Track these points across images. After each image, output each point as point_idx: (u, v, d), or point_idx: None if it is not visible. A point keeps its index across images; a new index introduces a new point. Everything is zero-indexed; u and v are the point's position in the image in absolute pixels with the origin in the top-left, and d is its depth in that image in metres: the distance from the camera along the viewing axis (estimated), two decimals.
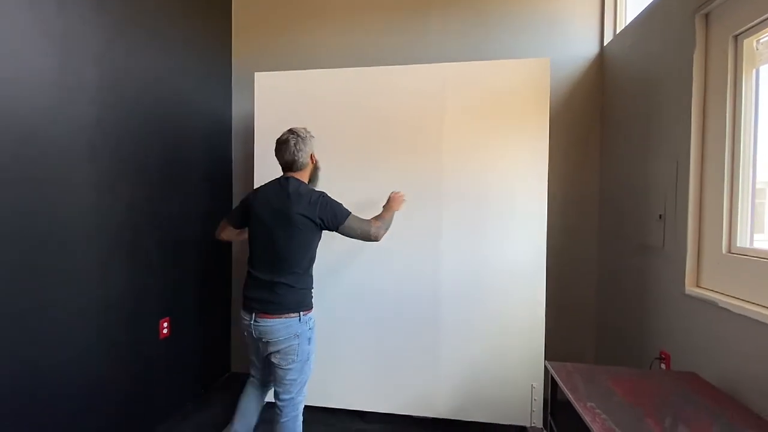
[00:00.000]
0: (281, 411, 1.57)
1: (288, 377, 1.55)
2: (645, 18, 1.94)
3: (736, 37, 1.41)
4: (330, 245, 2.12)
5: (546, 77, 1.95)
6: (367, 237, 1.61)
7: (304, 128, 1.63)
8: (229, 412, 2.09)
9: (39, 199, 1.44)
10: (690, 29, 1.55)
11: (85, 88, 1.62)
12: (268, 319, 1.51)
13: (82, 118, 1.61)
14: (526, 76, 1.97)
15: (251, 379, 1.72)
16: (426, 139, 2.05)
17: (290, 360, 1.53)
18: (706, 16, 1.52)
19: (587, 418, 1.12)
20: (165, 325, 2.10)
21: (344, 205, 1.61)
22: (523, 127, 1.97)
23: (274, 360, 1.55)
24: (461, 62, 2.06)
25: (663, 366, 1.69)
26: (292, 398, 1.57)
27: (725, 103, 1.43)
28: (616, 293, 2.19)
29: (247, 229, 1.66)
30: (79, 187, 1.61)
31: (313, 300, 1.64)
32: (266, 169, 2.18)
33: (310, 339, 1.59)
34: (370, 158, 2.10)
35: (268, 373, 1.66)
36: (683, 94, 1.59)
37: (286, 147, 1.56)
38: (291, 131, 1.59)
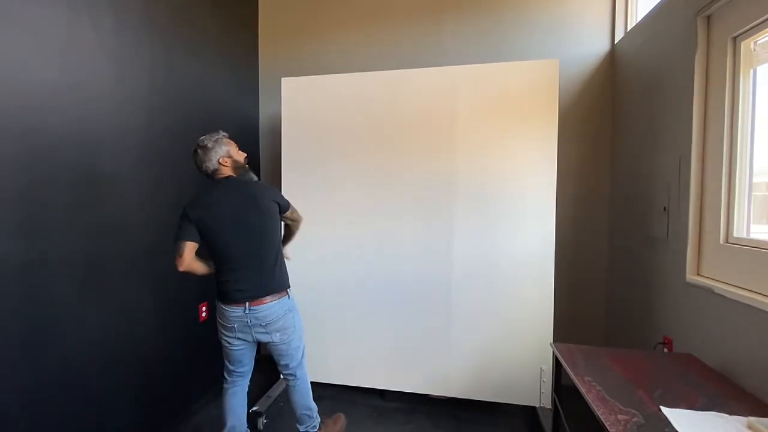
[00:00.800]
0: (295, 376, 1.79)
1: (292, 347, 1.75)
2: (651, 18, 2.01)
3: (734, 38, 1.48)
4: (350, 236, 2.31)
5: (555, 78, 2.05)
6: (299, 220, 1.84)
7: (216, 134, 1.66)
8: (258, 389, 2.32)
9: (98, 194, 1.67)
10: (692, 31, 1.63)
11: (136, 97, 1.84)
12: (265, 303, 1.62)
13: (133, 123, 1.83)
14: (535, 77, 2.08)
15: (227, 383, 1.80)
16: (440, 138, 2.18)
17: (290, 332, 1.72)
18: (708, 18, 1.60)
19: (583, 389, 1.25)
20: (204, 309, 2.33)
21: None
22: (533, 127, 2.08)
23: (274, 339, 1.67)
24: (472, 65, 2.18)
25: (666, 350, 1.79)
26: (299, 363, 1.79)
27: (724, 102, 1.52)
28: (624, 282, 2.28)
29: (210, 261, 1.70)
30: (131, 184, 1.83)
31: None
32: (294, 168, 2.39)
33: (296, 311, 1.79)
34: (387, 158, 2.25)
35: (252, 361, 1.80)
36: (686, 94, 1.68)
37: (195, 161, 1.64)
38: (196, 144, 1.63)
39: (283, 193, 1.87)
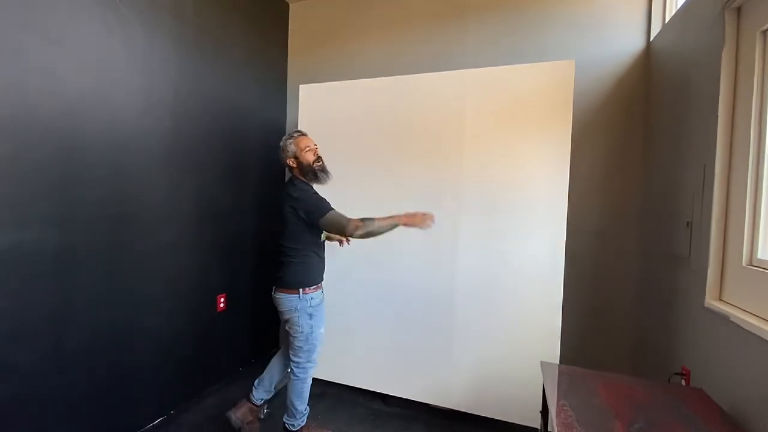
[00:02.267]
0: (292, 371, 1.87)
1: (295, 344, 1.85)
2: (683, 12, 1.82)
3: (764, 32, 1.30)
4: (356, 246, 2.35)
5: (570, 80, 1.93)
6: (342, 231, 1.74)
7: (291, 133, 1.88)
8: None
9: (124, 191, 1.88)
10: (720, 25, 1.45)
11: (163, 104, 2.05)
12: (277, 293, 1.85)
13: (160, 128, 2.04)
14: (549, 80, 1.97)
15: (279, 350, 2.07)
16: (448, 144, 2.15)
17: (295, 330, 1.83)
18: (737, 10, 1.41)
19: (553, 412, 1.17)
20: (222, 300, 2.51)
21: (326, 203, 1.78)
22: (544, 132, 1.97)
23: (285, 327, 1.88)
24: (481, 68, 2.12)
25: (683, 382, 1.59)
26: (299, 362, 1.86)
27: (751, 103, 1.33)
28: (647, 303, 2.07)
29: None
30: (158, 183, 2.04)
31: (317, 281, 1.87)
32: None
33: (311, 315, 1.83)
34: (394, 164, 2.26)
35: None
36: (712, 94, 1.49)
37: None
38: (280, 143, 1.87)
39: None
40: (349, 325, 2.40)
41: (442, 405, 2.21)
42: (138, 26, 1.89)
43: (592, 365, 2.19)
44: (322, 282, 1.94)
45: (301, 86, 2.50)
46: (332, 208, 1.77)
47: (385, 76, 2.46)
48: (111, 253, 1.83)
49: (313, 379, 2.37)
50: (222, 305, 2.51)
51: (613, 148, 2.31)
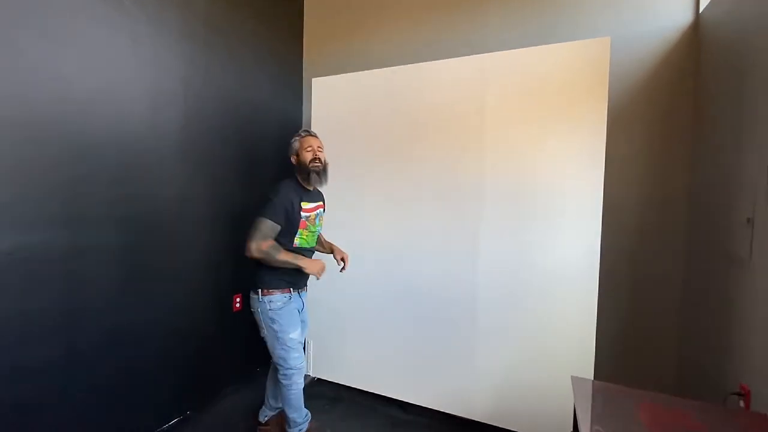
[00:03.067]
0: (279, 379, 1.81)
1: (269, 350, 1.81)
2: None
3: None
4: (373, 246, 2.25)
5: (605, 60, 1.73)
6: (248, 243, 1.67)
7: (300, 131, 1.87)
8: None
9: (135, 191, 1.85)
10: None
11: (173, 103, 2.01)
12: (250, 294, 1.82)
13: (171, 126, 2.00)
14: (581, 60, 1.77)
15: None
16: (467, 135, 2.00)
17: (262, 332, 1.80)
18: None
19: None
20: (237, 300, 2.48)
21: (274, 211, 1.68)
22: (576, 119, 1.78)
23: None
24: (502, 51, 1.94)
25: (742, 403, 1.38)
26: (280, 369, 1.78)
27: None
28: (696, 309, 1.84)
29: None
30: (169, 181, 2.01)
31: (281, 285, 1.77)
32: None
33: (273, 319, 1.75)
34: (410, 157, 2.14)
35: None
36: None
37: None
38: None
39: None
40: (365, 328, 2.30)
41: (463, 415, 2.07)
42: (145, 23, 1.86)
43: (631, 381, 1.99)
44: (296, 287, 1.83)
45: (313, 80, 2.41)
46: (272, 219, 1.68)
47: (403, 64, 2.32)
48: (122, 254, 1.81)
49: (329, 382, 2.30)
50: (238, 305, 2.48)
51: (655, 135, 2.07)
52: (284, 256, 1.69)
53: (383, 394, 2.29)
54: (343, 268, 1.98)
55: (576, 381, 1.33)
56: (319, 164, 1.79)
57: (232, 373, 2.49)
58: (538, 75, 1.85)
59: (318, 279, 1.81)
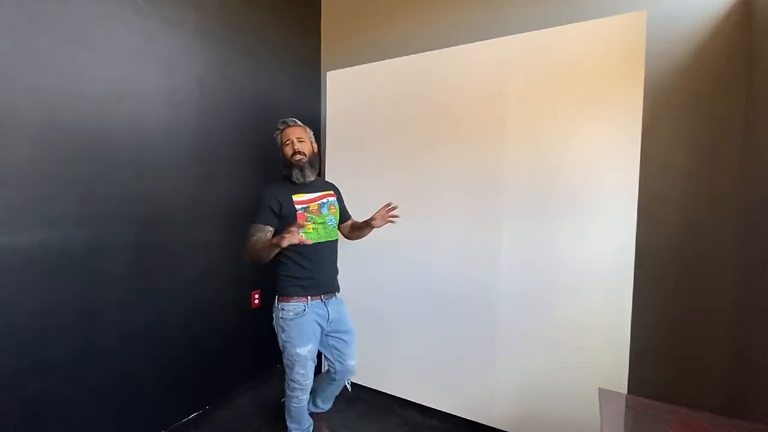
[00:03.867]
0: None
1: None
2: None
3: None
4: (392, 244, 2.18)
5: (640, 37, 1.55)
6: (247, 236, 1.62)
7: (280, 123, 1.80)
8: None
9: (152, 188, 1.87)
10: None
11: (188, 101, 2.02)
12: None
13: (186, 125, 2.02)
14: (613, 38, 1.61)
15: None
16: (487, 124, 1.87)
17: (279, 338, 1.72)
18: None
19: None
20: (257, 296, 2.48)
21: (257, 212, 1.64)
22: (607, 103, 1.62)
23: None
24: (524, 33, 1.79)
25: None
26: (286, 378, 1.72)
27: None
28: (748, 317, 1.62)
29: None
30: (186, 179, 2.03)
31: (292, 292, 1.66)
32: (336, 165, 2.36)
33: (282, 329, 1.66)
34: (426, 150, 2.04)
35: None
36: None
37: None
38: None
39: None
40: (382, 328, 2.23)
41: (482, 422, 1.97)
42: (159, 22, 1.87)
43: (670, 397, 1.80)
44: (315, 292, 1.69)
45: (328, 73, 2.36)
46: (254, 221, 1.62)
47: (420, 52, 2.21)
48: (140, 251, 1.84)
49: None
50: (257, 301, 2.49)
51: (700, 118, 1.85)
52: (258, 244, 1.56)
53: (402, 397, 2.21)
54: (392, 207, 1.74)
55: (604, 394, 1.20)
56: (301, 157, 1.68)
57: (250, 370, 2.50)
58: (563, 58, 1.70)
59: (298, 242, 1.42)
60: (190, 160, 2.05)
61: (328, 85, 2.35)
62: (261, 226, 1.60)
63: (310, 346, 1.66)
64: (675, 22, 1.85)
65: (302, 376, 1.67)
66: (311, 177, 1.73)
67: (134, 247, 1.82)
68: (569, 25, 1.70)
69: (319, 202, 1.73)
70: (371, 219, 1.75)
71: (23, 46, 1.43)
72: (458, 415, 2.03)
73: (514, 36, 1.81)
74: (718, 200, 1.83)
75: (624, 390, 1.58)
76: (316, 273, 1.68)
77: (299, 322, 1.65)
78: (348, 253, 2.24)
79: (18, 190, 1.44)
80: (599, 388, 1.24)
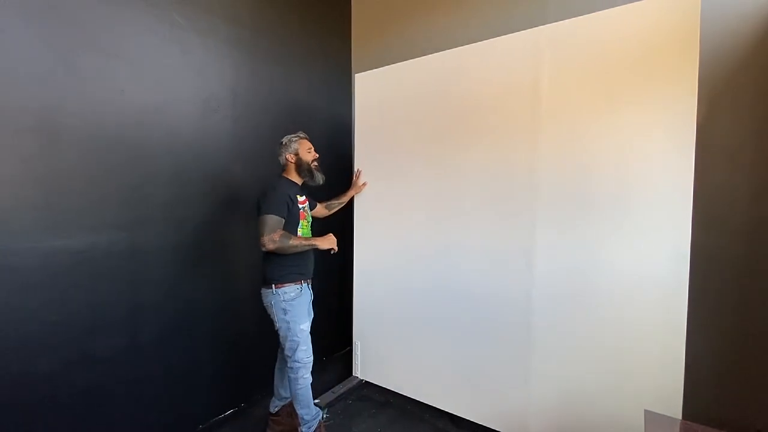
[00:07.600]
0: (291, 368, 1.83)
1: (281, 335, 1.85)
2: None
3: None
4: (419, 247, 2.13)
5: (694, 17, 1.39)
6: (260, 237, 1.70)
7: (297, 133, 1.94)
8: (323, 385, 2.38)
9: (187, 194, 1.96)
10: None
11: (222, 109, 2.10)
12: (262, 290, 1.87)
13: (219, 131, 2.09)
14: (661, 21, 1.45)
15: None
16: (521, 119, 1.77)
17: (277, 323, 1.83)
18: None
19: None
20: None
21: (277, 206, 1.73)
22: (655, 92, 1.47)
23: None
24: (560, 21, 1.67)
25: None
26: (289, 361, 1.82)
27: None
28: None
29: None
30: (221, 183, 2.11)
31: (293, 277, 1.82)
32: (365, 167, 2.34)
33: (285, 310, 1.79)
34: (455, 151, 1.97)
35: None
36: None
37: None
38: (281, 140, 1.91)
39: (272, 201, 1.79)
40: (414, 336, 2.18)
41: None
42: (193, 35, 1.95)
43: (731, 423, 1.60)
44: (306, 277, 1.90)
45: (356, 76, 2.35)
46: (276, 214, 1.72)
47: (452, 48, 2.14)
48: (179, 252, 1.93)
49: (378, 386, 2.24)
50: None
51: (766, 107, 1.63)
52: (296, 241, 1.77)
53: (433, 405, 2.15)
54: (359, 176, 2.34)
55: (650, 417, 1.08)
56: (317, 163, 1.96)
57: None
58: (602, 46, 1.57)
59: (335, 251, 1.89)
60: (226, 164, 2.13)
61: (356, 88, 2.35)
62: (279, 219, 1.74)
63: (308, 323, 1.89)
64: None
65: (305, 352, 1.83)
66: (320, 182, 1.96)
67: (173, 248, 1.91)
68: (610, 9, 1.56)
69: (308, 203, 1.98)
70: (353, 188, 2.32)
71: (73, 63, 1.55)
72: (491, 426, 1.93)
73: (549, 25, 1.70)
74: None
75: (678, 414, 1.42)
76: (306, 261, 1.90)
77: (300, 302, 1.84)
78: (381, 261, 2.23)
79: (71, 197, 1.56)
80: (645, 410, 1.11)
